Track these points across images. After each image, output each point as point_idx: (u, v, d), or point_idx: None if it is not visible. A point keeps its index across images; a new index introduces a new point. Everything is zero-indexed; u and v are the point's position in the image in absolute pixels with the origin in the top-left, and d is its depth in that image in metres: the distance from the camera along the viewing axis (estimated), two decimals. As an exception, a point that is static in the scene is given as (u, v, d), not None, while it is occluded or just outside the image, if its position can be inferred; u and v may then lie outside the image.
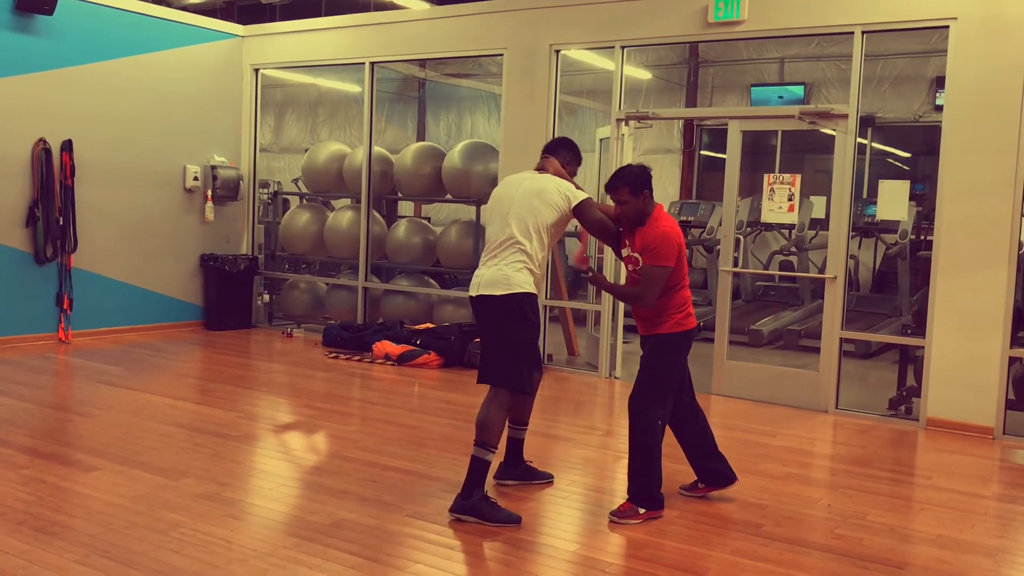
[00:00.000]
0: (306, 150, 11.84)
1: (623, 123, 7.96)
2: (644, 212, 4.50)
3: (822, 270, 8.35)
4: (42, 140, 8.61)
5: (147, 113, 9.45)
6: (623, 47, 7.96)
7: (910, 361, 7.18)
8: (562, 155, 4.75)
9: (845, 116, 6.96)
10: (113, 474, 4.85)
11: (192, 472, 4.94)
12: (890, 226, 10.16)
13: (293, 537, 4.06)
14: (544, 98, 8.29)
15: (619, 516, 4.41)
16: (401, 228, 10.00)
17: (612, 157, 7.94)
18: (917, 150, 13.28)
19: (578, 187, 4.67)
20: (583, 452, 5.75)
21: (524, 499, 4.71)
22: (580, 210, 4.54)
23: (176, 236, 9.84)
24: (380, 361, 8.43)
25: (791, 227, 10.83)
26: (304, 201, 11.34)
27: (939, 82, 11.45)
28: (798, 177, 7.41)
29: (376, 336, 8.76)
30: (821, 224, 10.64)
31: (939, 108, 10.14)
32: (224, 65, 10.19)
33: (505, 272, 4.41)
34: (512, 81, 8.52)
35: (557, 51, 8.27)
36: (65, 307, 8.83)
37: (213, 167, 10.02)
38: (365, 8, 12.61)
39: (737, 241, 9.90)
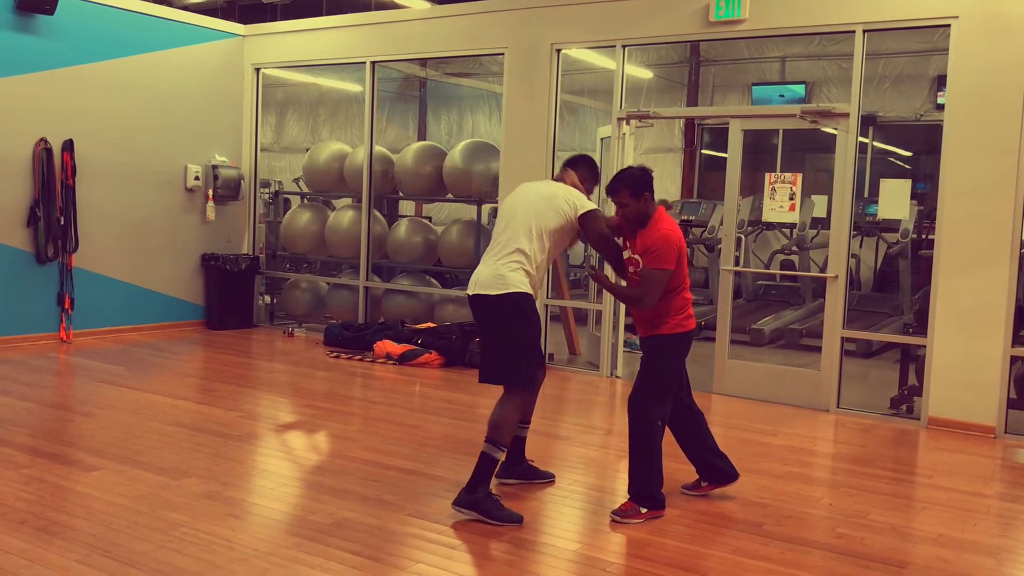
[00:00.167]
0: (307, 149, 11.84)
1: (624, 122, 7.96)
2: (645, 214, 4.51)
3: (823, 269, 8.34)
4: (43, 140, 8.61)
5: (148, 113, 9.45)
6: (624, 46, 7.96)
7: (911, 360, 7.18)
8: (581, 171, 4.80)
9: (846, 115, 6.96)
10: (114, 474, 4.85)
11: (193, 472, 4.94)
12: (891, 225, 10.16)
13: (294, 536, 4.07)
14: (545, 97, 8.28)
15: (621, 515, 4.41)
16: (402, 227, 10.00)
17: (613, 156, 7.94)
18: (918, 149, 13.28)
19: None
20: (584, 451, 5.75)
21: (525, 498, 4.71)
22: (584, 220, 4.55)
23: (177, 236, 9.84)
24: (381, 360, 8.43)
25: (792, 226, 10.83)
26: (305, 201, 11.35)
27: (940, 81, 11.46)
28: (799, 176, 7.41)
29: (377, 335, 8.76)
30: (822, 223, 10.65)
31: (940, 107, 10.12)
32: (225, 65, 10.20)
33: (501, 272, 4.43)
34: (513, 80, 8.52)
35: (558, 50, 8.27)
36: (66, 307, 8.84)
37: (214, 167, 10.02)
38: (366, 7, 12.62)
39: (738, 240, 9.91)
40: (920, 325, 7.20)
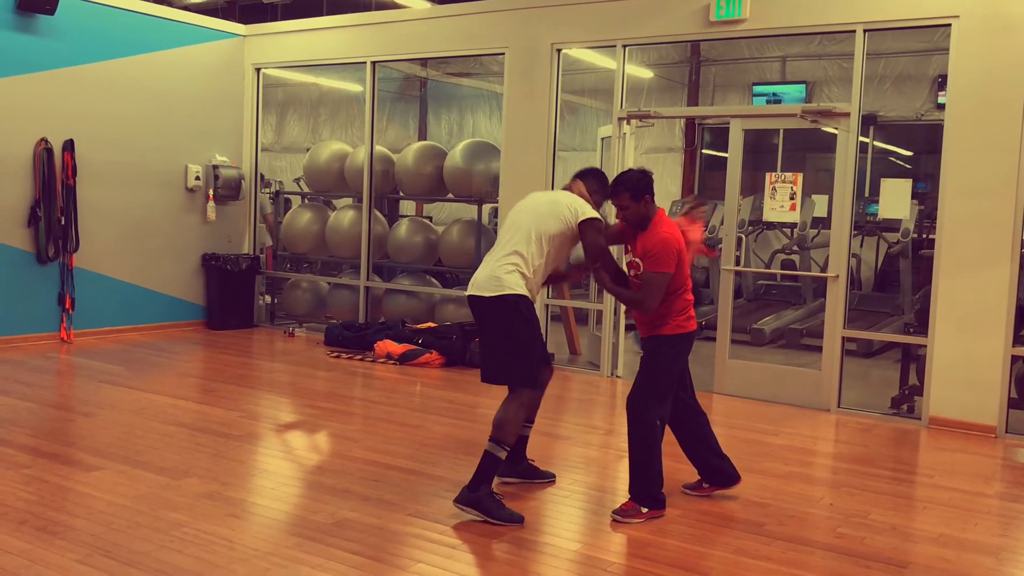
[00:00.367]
0: (308, 149, 11.84)
1: (625, 122, 7.96)
2: (646, 217, 4.51)
3: (824, 269, 8.34)
4: (44, 140, 8.62)
5: (149, 113, 9.45)
6: (624, 46, 7.96)
7: (912, 360, 7.18)
8: (590, 182, 4.80)
9: (847, 115, 6.96)
10: (115, 473, 4.85)
11: (194, 471, 4.94)
12: (892, 225, 10.16)
13: (295, 536, 4.06)
14: (545, 97, 8.28)
15: (622, 515, 4.41)
16: (403, 227, 10.00)
17: (614, 156, 7.94)
18: (919, 149, 13.28)
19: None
20: (585, 451, 5.75)
21: (526, 498, 4.71)
22: (583, 227, 4.54)
23: (178, 236, 9.84)
24: (382, 360, 8.43)
25: (793, 226, 10.83)
26: (306, 201, 11.35)
27: (941, 81, 11.45)
28: (800, 176, 7.41)
29: (378, 335, 8.76)
30: (823, 223, 10.65)
31: (941, 107, 10.12)
32: (225, 65, 10.20)
33: (496, 274, 4.46)
34: (513, 80, 8.51)
35: (558, 50, 8.27)
36: (67, 307, 8.84)
37: (215, 167, 10.02)
38: (366, 7, 12.63)
39: (739, 240, 9.90)
40: (921, 325, 7.20)
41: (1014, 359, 6.44)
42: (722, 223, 8.74)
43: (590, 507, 4.70)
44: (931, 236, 7.22)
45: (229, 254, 10.08)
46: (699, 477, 4.86)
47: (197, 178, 9.92)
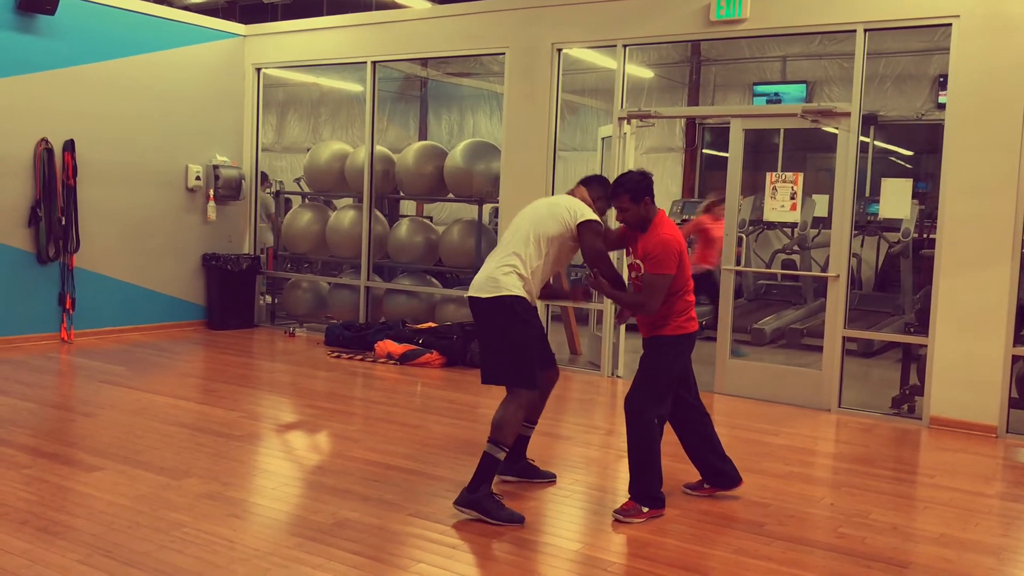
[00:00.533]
0: (308, 149, 11.85)
1: (625, 122, 7.95)
2: (646, 219, 4.51)
3: (824, 269, 8.34)
4: (44, 140, 8.62)
5: (149, 113, 9.45)
6: (625, 46, 7.95)
7: (913, 360, 7.17)
8: (594, 189, 4.80)
9: (847, 114, 6.95)
10: (115, 474, 4.85)
11: (194, 472, 4.94)
12: (893, 224, 10.15)
13: (296, 536, 4.06)
14: (546, 97, 8.28)
15: (623, 514, 4.41)
16: (403, 227, 10.00)
17: (614, 156, 7.94)
18: (920, 148, 13.27)
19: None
20: (585, 451, 5.74)
21: (527, 498, 4.71)
22: (581, 229, 4.54)
23: (178, 236, 9.84)
24: (382, 360, 8.43)
25: (793, 225, 10.82)
26: (306, 200, 11.35)
27: (941, 80, 11.45)
28: (800, 175, 7.41)
29: (378, 335, 8.76)
30: (823, 223, 10.64)
31: (941, 106, 10.12)
32: (226, 65, 10.19)
33: (494, 275, 4.48)
34: (514, 80, 8.51)
35: (559, 50, 8.27)
36: (67, 307, 8.84)
37: (215, 167, 10.02)
38: (367, 7, 12.63)
39: (739, 239, 9.89)
40: (921, 324, 7.19)
41: (1015, 359, 6.43)
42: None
43: (590, 507, 4.70)
44: (932, 236, 7.22)
45: (229, 254, 10.08)
46: (700, 477, 4.86)
47: (197, 178, 9.92)
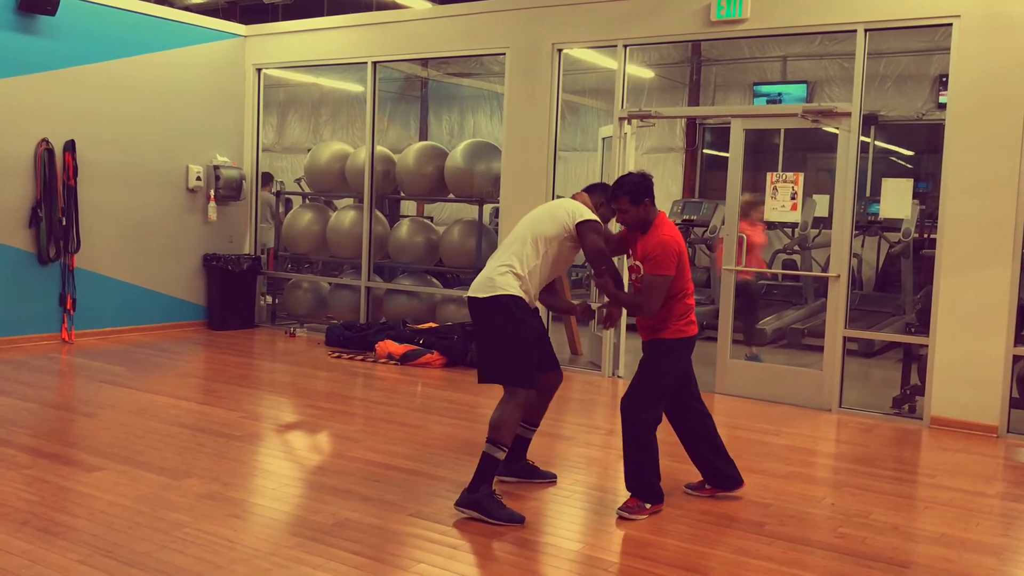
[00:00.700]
0: (309, 150, 11.85)
1: (625, 122, 7.95)
2: (646, 220, 4.50)
3: (825, 269, 8.33)
4: (45, 140, 8.62)
5: (150, 113, 9.45)
6: (625, 46, 7.95)
7: (914, 360, 7.17)
8: (597, 195, 4.82)
9: (848, 114, 6.95)
10: (116, 474, 4.85)
11: (195, 472, 4.94)
12: (893, 224, 10.14)
13: (296, 537, 4.06)
14: (546, 97, 8.28)
15: (628, 512, 4.42)
16: (404, 227, 10.00)
17: (615, 156, 7.94)
18: (920, 148, 13.27)
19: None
20: (586, 451, 5.74)
21: (527, 498, 4.71)
22: (581, 229, 4.54)
23: (179, 236, 9.84)
24: (383, 361, 8.43)
25: (794, 226, 10.81)
26: (307, 201, 11.35)
27: (942, 80, 11.44)
28: (801, 176, 7.41)
29: (379, 336, 8.76)
30: (824, 223, 10.63)
31: (942, 106, 10.13)
32: (226, 65, 10.20)
33: (491, 276, 4.51)
34: (514, 80, 8.51)
35: (559, 50, 8.27)
36: (68, 307, 8.84)
37: (216, 167, 10.02)
38: (367, 8, 12.64)
39: (740, 239, 9.88)
40: (922, 324, 7.19)
41: (1015, 359, 6.43)
42: (723, 223, 8.74)
43: (591, 507, 4.70)
44: (932, 236, 7.21)
45: (230, 254, 10.08)
46: (701, 478, 4.86)
47: (198, 178, 9.92)
